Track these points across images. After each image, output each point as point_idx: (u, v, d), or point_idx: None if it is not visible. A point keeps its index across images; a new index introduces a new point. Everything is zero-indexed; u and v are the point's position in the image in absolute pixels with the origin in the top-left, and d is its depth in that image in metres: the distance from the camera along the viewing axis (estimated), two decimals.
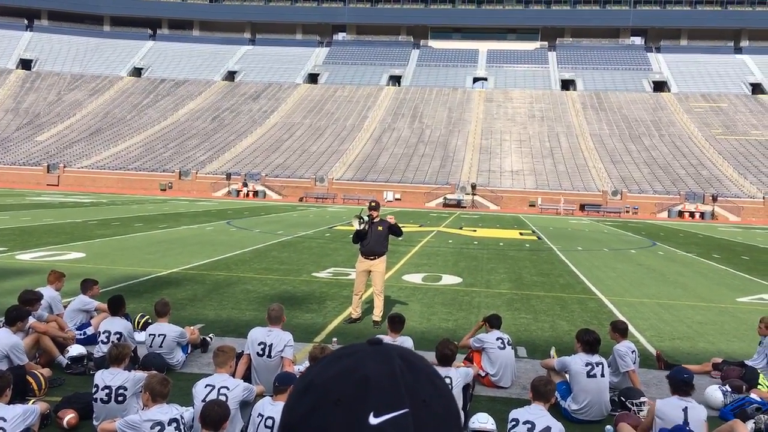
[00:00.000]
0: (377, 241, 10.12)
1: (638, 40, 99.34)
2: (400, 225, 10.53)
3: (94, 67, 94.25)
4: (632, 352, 7.30)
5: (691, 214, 55.34)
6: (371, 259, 10.15)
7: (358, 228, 10.05)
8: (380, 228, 10.12)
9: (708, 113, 79.64)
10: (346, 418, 0.74)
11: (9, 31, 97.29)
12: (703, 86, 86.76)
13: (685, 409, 5.56)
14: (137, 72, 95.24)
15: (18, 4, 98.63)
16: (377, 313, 10.12)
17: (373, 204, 10.37)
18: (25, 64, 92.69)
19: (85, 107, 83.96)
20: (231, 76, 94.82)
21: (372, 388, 0.76)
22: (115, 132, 77.45)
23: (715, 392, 6.97)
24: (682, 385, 5.71)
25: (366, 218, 10.09)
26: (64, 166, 65.83)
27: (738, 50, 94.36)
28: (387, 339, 6.66)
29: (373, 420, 0.74)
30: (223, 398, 5.34)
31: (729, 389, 7.01)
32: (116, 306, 7.85)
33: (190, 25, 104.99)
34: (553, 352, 8.11)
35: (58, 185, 63.03)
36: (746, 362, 7.97)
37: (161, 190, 62.10)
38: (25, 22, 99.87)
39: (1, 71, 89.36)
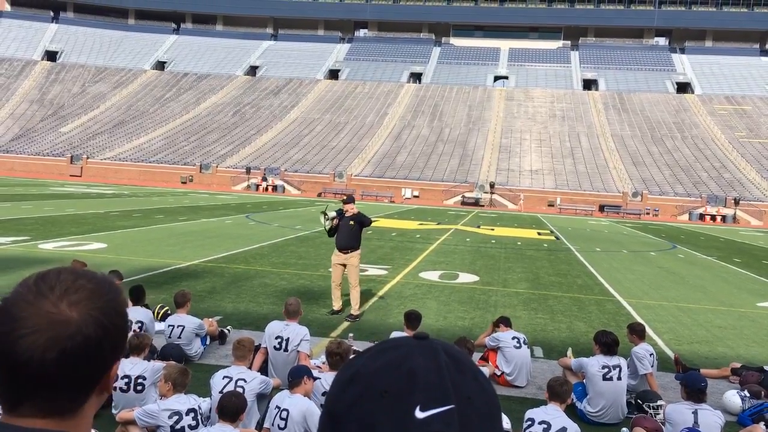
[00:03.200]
0: (349, 235, 10.18)
1: (662, 41, 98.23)
2: (372, 217, 10.64)
3: (118, 60, 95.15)
4: (650, 354, 7.26)
5: (713, 218, 54.72)
6: (344, 253, 10.22)
7: (323, 224, 10.20)
8: (352, 222, 10.16)
9: (732, 116, 78.62)
10: (393, 410, 0.74)
11: (35, 23, 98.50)
12: (727, 88, 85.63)
13: (695, 413, 5.54)
14: (161, 65, 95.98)
15: None
16: (354, 306, 10.17)
17: (346, 198, 10.43)
18: (51, 55, 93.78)
19: (108, 99, 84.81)
20: (253, 70, 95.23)
21: (419, 382, 0.76)
22: (138, 125, 78.16)
23: (734, 397, 6.91)
24: (696, 393, 5.68)
25: (332, 214, 10.18)
26: (87, 158, 66.57)
27: (764, 52, 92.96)
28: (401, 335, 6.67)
29: (419, 414, 0.73)
30: (240, 390, 5.40)
31: (747, 394, 6.95)
32: (137, 296, 7.96)
33: (213, 20, 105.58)
34: (569, 352, 8.09)
35: (81, 176, 63.77)
36: (765, 367, 7.88)
37: (182, 183, 62.60)
38: (51, 14, 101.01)
39: (27, 62, 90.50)
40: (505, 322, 7.91)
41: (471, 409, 0.77)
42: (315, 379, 5.59)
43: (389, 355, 0.80)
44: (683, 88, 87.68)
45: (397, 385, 0.76)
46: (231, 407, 4.72)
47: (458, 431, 0.74)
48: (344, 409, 0.78)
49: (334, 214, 10.18)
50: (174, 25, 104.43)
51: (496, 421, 0.81)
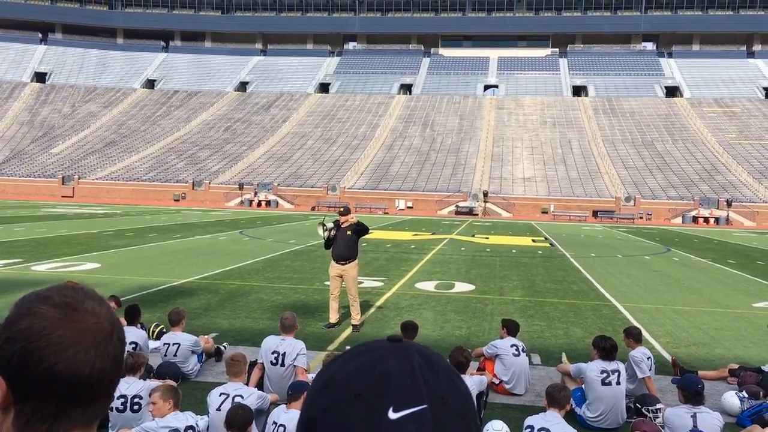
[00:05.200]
0: (346, 246, 10.19)
1: (650, 46, 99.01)
2: (368, 225, 10.66)
3: (108, 80, 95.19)
4: (648, 358, 7.25)
5: (706, 220, 54.92)
6: (342, 264, 10.21)
7: (322, 235, 10.21)
8: (348, 233, 10.19)
9: (721, 118, 79.14)
10: (366, 412, 0.75)
11: (24, 45, 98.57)
12: (716, 91, 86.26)
13: (693, 416, 5.54)
14: (150, 84, 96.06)
15: (32, 17, 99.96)
16: (354, 316, 10.21)
17: (342, 210, 10.45)
18: (40, 77, 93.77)
19: (99, 119, 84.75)
20: (243, 86, 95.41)
21: (392, 383, 0.77)
22: (129, 143, 78.08)
23: (732, 398, 6.91)
24: (694, 395, 5.68)
25: (330, 225, 10.21)
26: (79, 178, 66.41)
27: (750, 54, 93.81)
28: None
29: (392, 415, 0.74)
30: None
31: (746, 395, 6.94)
32: (132, 316, 7.91)
33: (202, 37, 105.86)
34: (564, 357, 8.07)
35: (73, 197, 63.58)
36: (763, 368, 7.88)
37: (175, 200, 62.47)
38: (40, 35, 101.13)
39: (17, 84, 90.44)
40: (509, 326, 7.85)
41: (445, 408, 0.77)
42: None
43: (363, 359, 0.81)
44: (672, 91, 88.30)
45: (370, 388, 0.77)
46: (239, 419, 4.75)
47: (432, 431, 0.75)
48: (319, 413, 0.79)
49: (331, 225, 10.20)
50: (163, 43, 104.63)
51: (471, 420, 0.81)
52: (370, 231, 10.74)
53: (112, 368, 0.98)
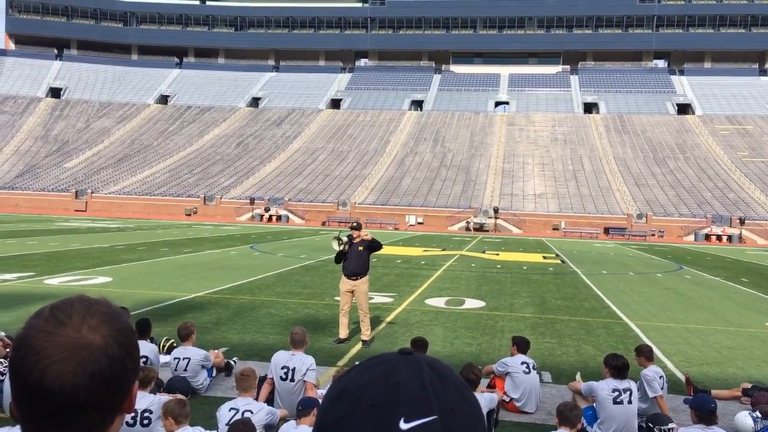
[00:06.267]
0: (358, 262, 10.20)
1: (661, 63, 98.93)
2: (381, 241, 10.68)
3: (122, 95, 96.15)
4: (660, 377, 7.18)
5: (718, 238, 54.53)
6: (353, 280, 10.22)
7: (338, 249, 10.22)
8: (361, 248, 10.22)
9: (733, 135, 78.81)
10: (378, 422, 0.78)
11: (39, 60, 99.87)
12: (728, 108, 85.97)
13: None
14: (164, 99, 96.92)
15: (48, 34, 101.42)
16: (364, 332, 10.20)
17: (355, 225, 10.47)
18: (55, 92, 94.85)
19: (112, 134, 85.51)
20: (255, 102, 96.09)
21: (403, 394, 0.80)
22: (142, 158, 78.68)
23: (745, 418, 6.82)
24: (707, 415, 5.62)
25: (345, 239, 10.22)
26: (92, 192, 66.92)
27: (763, 72, 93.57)
28: None
29: (403, 425, 0.77)
30: None
31: (759, 415, 6.86)
32: (143, 329, 7.94)
33: (215, 53, 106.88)
34: (578, 376, 8.01)
35: (85, 211, 64.02)
36: None
37: (186, 215, 62.77)
38: (55, 51, 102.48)
39: (32, 99, 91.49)
40: (519, 343, 7.81)
41: (454, 420, 0.80)
42: None
43: (375, 371, 0.84)
44: (684, 109, 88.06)
45: (382, 399, 0.80)
46: None
47: None
48: (333, 423, 0.82)
49: (346, 239, 10.22)
50: (177, 60, 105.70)
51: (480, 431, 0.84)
52: (383, 247, 10.78)
53: (88, 385, 0.95)
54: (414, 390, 0.80)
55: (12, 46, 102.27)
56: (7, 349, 7.41)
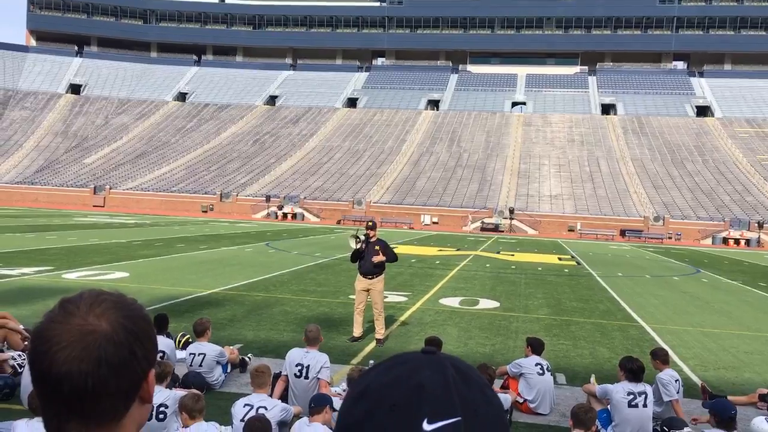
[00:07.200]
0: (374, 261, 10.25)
1: (680, 65, 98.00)
2: (394, 249, 10.72)
3: (141, 92, 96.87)
4: (675, 381, 7.14)
5: (736, 241, 53.97)
6: (369, 279, 10.26)
7: (355, 247, 10.25)
8: (377, 248, 10.24)
9: (753, 138, 77.93)
10: (401, 423, 0.77)
11: (60, 57, 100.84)
12: (747, 111, 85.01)
13: None
14: (182, 97, 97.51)
15: (69, 30, 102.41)
16: (379, 331, 10.23)
17: (370, 224, 10.50)
18: (75, 88, 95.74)
19: (131, 131, 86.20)
20: (272, 100, 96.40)
21: (426, 395, 0.78)
22: (160, 155, 79.24)
23: (762, 424, 6.77)
24: (727, 421, 5.58)
25: (362, 237, 10.25)
26: (110, 188, 67.51)
27: None
28: None
29: (426, 426, 0.76)
30: None
31: None
32: (160, 324, 8.01)
33: (233, 51, 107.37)
34: (593, 379, 7.98)
35: (104, 206, 64.61)
36: None
37: (203, 211, 63.15)
38: (76, 48, 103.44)
39: (52, 96, 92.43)
40: (533, 345, 7.79)
41: (477, 421, 0.79)
42: (336, 411, 5.58)
43: (398, 370, 0.83)
44: (703, 111, 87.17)
45: (405, 399, 0.78)
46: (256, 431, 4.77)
47: None
48: (355, 423, 0.80)
49: (363, 237, 10.24)
50: (195, 57, 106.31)
51: None
52: (397, 259, 10.82)
53: (95, 371, 0.97)
54: (437, 390, 0.79)
55: (33, 42, 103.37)
56: (26, 342, 7.50)
